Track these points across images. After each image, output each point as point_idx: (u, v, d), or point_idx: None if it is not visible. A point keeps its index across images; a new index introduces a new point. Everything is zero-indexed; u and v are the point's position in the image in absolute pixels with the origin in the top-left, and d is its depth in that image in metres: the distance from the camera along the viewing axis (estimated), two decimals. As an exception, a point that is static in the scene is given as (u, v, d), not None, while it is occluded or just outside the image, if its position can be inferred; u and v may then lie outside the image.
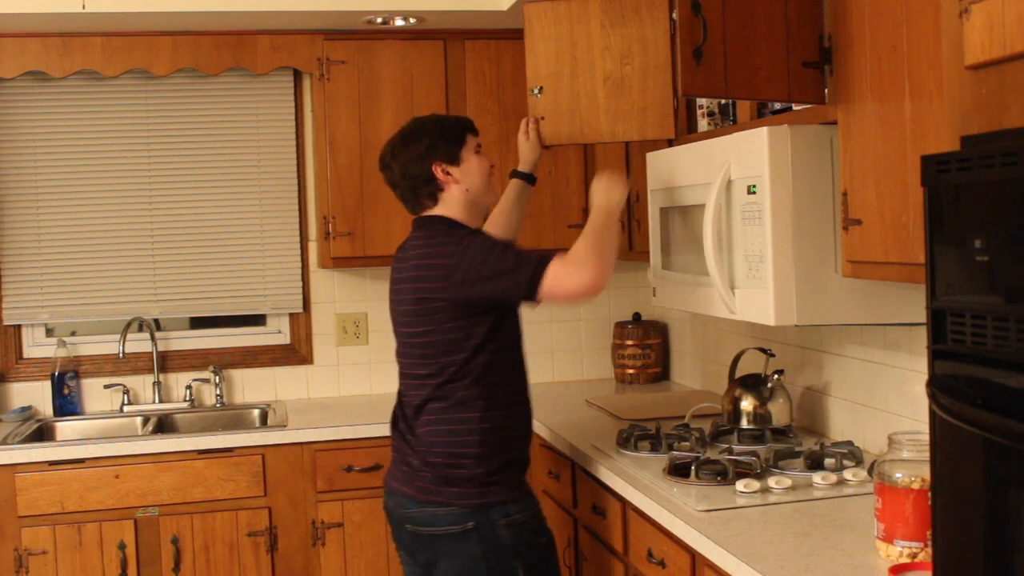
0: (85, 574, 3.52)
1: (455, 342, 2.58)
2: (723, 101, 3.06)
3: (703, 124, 3.13)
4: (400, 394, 2.76)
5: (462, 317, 2.57)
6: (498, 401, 2.62)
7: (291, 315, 4.28)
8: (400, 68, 3.96)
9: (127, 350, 4.03)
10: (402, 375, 2.74)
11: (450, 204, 2.70)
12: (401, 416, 2.75)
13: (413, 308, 2.62)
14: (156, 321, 4.16)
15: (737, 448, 2.90)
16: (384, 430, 3.69)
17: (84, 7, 3.54)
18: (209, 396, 4.19)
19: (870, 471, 2.49)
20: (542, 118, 3.09)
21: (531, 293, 2.52)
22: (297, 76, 4.20)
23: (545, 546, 2.69)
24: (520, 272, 2.51)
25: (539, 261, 2.52)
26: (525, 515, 2.64)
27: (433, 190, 2.69)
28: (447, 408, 2.60)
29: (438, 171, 2.67)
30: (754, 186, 2.48)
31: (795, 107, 2.57)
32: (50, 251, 4.06)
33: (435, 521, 2.60)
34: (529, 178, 3.09)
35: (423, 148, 2.67)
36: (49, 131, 4.04)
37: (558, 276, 2.50)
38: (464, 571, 2.58)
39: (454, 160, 2.68)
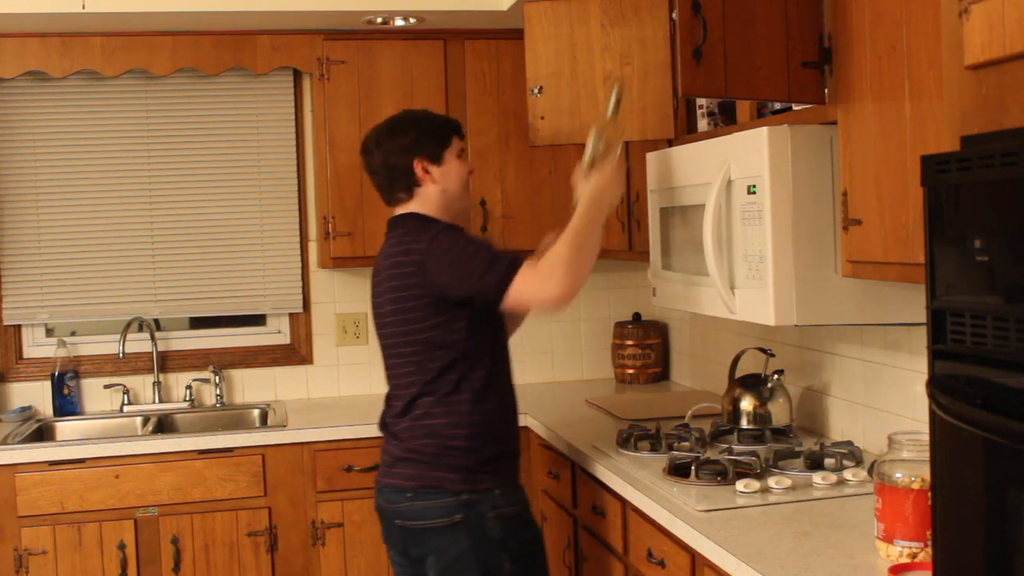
0: (85, 574, 3.51)
1: (437, 337, 2.58)
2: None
3: (703, 124, 3.13)
4: (388, 394, 2.77)
5: (444, 312, 2.56)
6: (486, 393, 2.63)
7: (291, 315, 4.28)
8: (400, 68, 3.96)
9: (127, 350, 4.03)
10: (389, 375, 2.75)
11: (425, 201, 2.69)
12: (389, 415, 2.74)
13: (394, 308, 2.62)
14: (156, 321, 4.16)
15: (737, 448, 2.90)
16: (384, 430, 3.73)
17: (84, 7, 3.53)
18: (209, 396, 4.19)
19: (870, 471, 2.49)
20: (542, 118, 3.08)
21: (497, 299, 2.52)
22: (297, 76, 4.20)
23: (532, 541, 2.69)
24: (489, 276, 2.50)
25: (509, 265, 2.50)
26: (513, 509, 2.63)
27: (410, 184, 2.68)
28: (435, 402, 2.61)
29: (418, 167, 2.67)
30: (754, 186, 2.48)
31: (795, 107, 2.57)
32: (50, 251, 4.05)
33: (424, 514, 2.59)
34: None
35: (408, 141, 2.67)
36: (49, 131, 4.04)
37: (525, 285, 2.49)
38: (453, 564, 2.58)
39: (436, 159, 2.68)
